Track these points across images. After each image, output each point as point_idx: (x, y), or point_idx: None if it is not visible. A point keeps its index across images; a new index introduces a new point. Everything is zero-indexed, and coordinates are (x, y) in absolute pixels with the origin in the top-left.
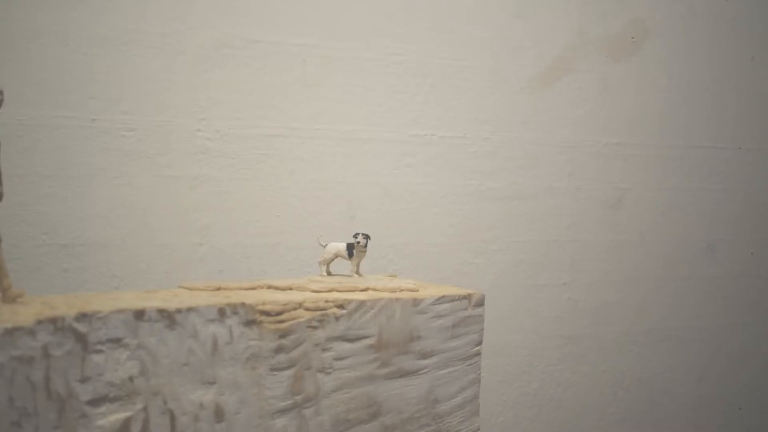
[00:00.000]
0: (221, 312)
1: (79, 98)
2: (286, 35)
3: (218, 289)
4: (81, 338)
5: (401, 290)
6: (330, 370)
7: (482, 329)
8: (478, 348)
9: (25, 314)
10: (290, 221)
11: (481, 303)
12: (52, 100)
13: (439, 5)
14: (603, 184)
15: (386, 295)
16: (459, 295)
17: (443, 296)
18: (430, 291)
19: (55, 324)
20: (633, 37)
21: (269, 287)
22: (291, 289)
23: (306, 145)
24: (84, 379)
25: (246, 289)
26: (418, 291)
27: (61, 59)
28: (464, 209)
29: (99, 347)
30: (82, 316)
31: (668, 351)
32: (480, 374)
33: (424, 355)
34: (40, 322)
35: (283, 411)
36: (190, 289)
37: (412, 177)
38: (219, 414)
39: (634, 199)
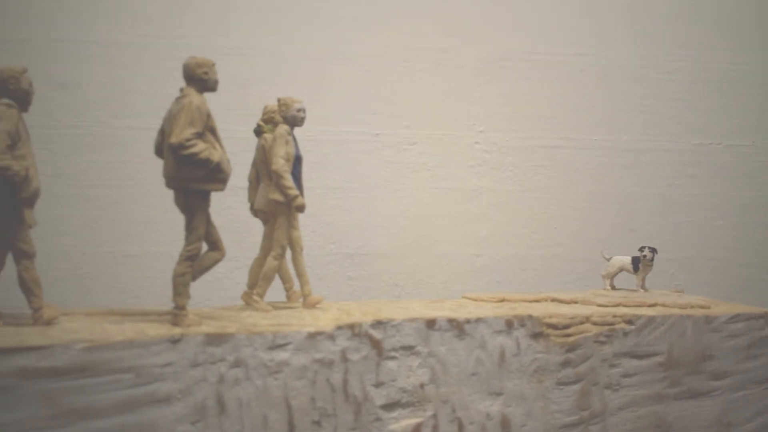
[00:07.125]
0: (509, 323)
1: (363, 114)
2: (563, 46)
3: (502, 300)
4: (376, 344)
5: (692, 307)
6: (617, 387)
7: None
8: None
9: (324, 319)
10: (567, 233)
11: None
12: (339, 117)
13: (719, 7)
14: None
15: (676, 311)
16: (755, 314)
17: (738, 314)
18: (722, 308)
19: (353, 330)
20: None
21: (553, 300)
22: (576, 302)
23: (583, 155)
24: (378, 384)
25: (530, 301)
26: (710, 308)
27: (347, 77)
28: (751, 222)
29: (393, 354)
30: (378, 323)
31: None
32: None
33: (717, 376)
34: (339, 327)
35: (569, 426)
36: (474, 299)
37: (694, 188)
38: (505, 425)
39: None
